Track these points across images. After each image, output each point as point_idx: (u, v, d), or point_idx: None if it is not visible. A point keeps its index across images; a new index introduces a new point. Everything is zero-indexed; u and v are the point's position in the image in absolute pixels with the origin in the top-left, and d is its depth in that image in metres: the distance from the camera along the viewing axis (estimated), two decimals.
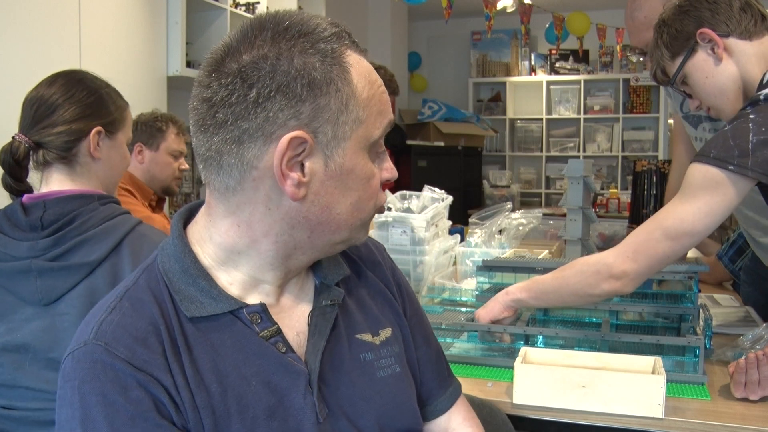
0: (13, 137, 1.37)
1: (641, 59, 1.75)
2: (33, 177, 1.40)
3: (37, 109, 1.37)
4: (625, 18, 1.74)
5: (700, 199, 1.28)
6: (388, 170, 0.89)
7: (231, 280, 0.85)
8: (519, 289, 1.49)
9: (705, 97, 1.44)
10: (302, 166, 0.79)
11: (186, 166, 2.56)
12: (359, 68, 0.83)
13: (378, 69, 3.99)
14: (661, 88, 1.79)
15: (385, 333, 0.95)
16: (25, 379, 1.27)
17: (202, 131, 0.80)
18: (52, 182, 1.39)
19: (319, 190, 0.80)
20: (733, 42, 1.39)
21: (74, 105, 1.38)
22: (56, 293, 1.28)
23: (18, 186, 1.36)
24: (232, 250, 0.84)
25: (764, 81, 1.35)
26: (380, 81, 0.86)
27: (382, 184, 0.88)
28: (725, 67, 1.39)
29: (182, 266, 0.84)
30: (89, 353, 0.77)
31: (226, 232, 0.84)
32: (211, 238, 0.85)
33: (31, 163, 1.38)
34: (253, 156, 0.79)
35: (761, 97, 1.33)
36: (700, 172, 1.28)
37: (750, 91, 1.39)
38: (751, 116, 1.29)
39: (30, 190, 1.38)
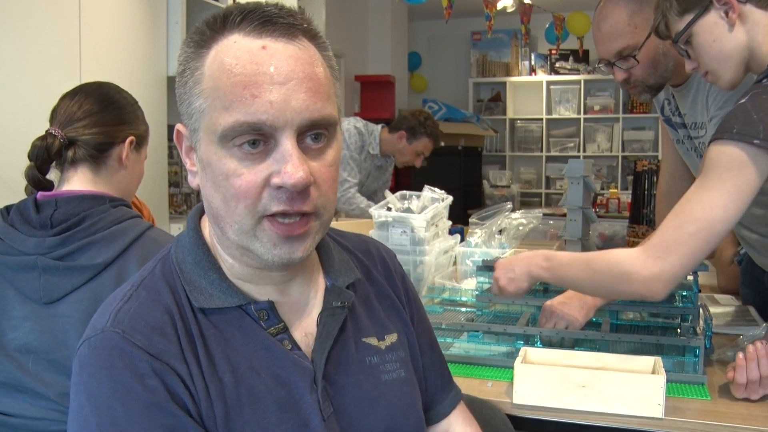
0: (48, 131, 1.37)
1: (611, 71, 1.71)
2: (52, 175, 1.40)
3: (79, 107, 1.39)
4: (592, 29, 1.72)
5: (727, 181, 1.20)
6: (278, 175, 0.75)
7: (228, 268, 0.86)
8: (541, 267, 1.40)
9: (707, 61, 1.37)
10: None
11: None
12: (222, 53, 0.76)
13: (426, 119, 3.83)
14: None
15: (391, 338, 0.96)
16: (26, 380, 1.26)
17: None
18: (73, 181, 1.38)
19: (202, 181, 0.81)
20: (750, 9, 1.32)
21: (116, 110, 1.43)
22: (58, 293, 1.27)
23: (43, 181, 1.36)
24: (215, 234, 0.86)
25: None
26: (246, 72, 0.74)
27: (273, 187, 0.76)
28: (736, 34, 1.33)
29: (195, 258, 0.85)
30: (106, 340, 0.77)
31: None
32: (209, 224, 0.87)
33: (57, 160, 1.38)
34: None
35: None
36: (724, 152, 1.21)
37: (755, 62, 1.34)
38: None
39: (51, 185, 1.38)
